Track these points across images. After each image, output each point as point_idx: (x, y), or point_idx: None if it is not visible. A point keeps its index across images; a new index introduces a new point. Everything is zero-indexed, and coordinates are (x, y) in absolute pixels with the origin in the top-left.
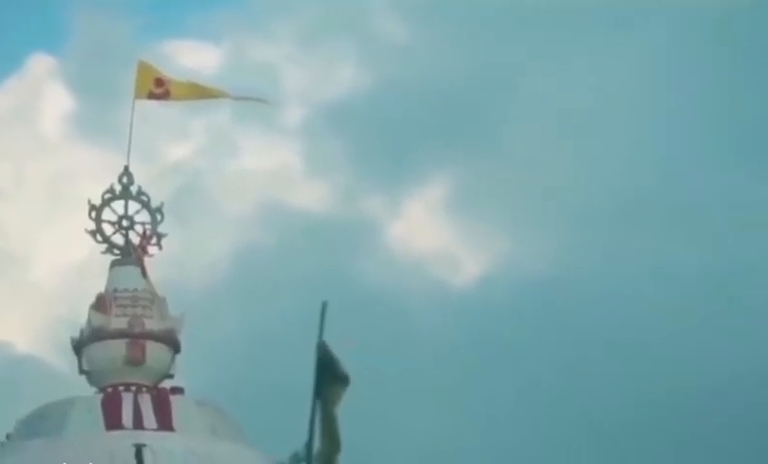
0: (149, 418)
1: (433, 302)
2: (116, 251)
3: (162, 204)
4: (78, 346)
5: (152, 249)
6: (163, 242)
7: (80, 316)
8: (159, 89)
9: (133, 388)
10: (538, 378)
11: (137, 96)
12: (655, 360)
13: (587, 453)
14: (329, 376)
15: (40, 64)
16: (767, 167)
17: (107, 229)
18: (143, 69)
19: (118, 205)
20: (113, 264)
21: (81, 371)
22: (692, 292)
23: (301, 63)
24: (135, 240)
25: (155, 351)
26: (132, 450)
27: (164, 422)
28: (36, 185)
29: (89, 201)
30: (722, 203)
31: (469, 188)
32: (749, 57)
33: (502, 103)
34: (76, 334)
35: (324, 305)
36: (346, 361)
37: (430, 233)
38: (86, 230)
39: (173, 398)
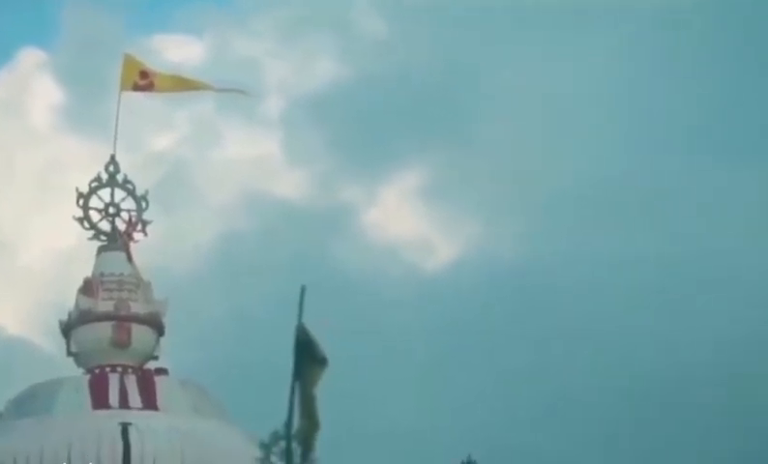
0: (134, 398)
1: (408, 286)
2: (103, 238)
3: (148, 192)
4: (66, 329)
5: (137, 236)
6: (149, 228)
7: (68, 300)
8: (144, 81)
9: (120, 369)
10: (510, 359)
11: (123, 88)
12: (624, 342)
13: (559, 433)
14: (308, 358)
15: (29, 57)
16: (733, 154)
17: (94, 216)
18: (129, 61)
19: (105, 193)
20: (100, 250)
21: (69, 353)
22: (659, 276)
23: (282, 56)
24: (122, 226)
25: (140, 333)
26: (119, 429)
27: (149, 402)
28: (25, 174)
29: (77, 189)
30: (688, 189)
31: (443, 177)
32: (714, 49)
33: (475, 96)
34: (65, 318)
35: (303, 290)
36: (324, 343)
37: (405, 220)
38: (74, 217)
39: (158, 379)
